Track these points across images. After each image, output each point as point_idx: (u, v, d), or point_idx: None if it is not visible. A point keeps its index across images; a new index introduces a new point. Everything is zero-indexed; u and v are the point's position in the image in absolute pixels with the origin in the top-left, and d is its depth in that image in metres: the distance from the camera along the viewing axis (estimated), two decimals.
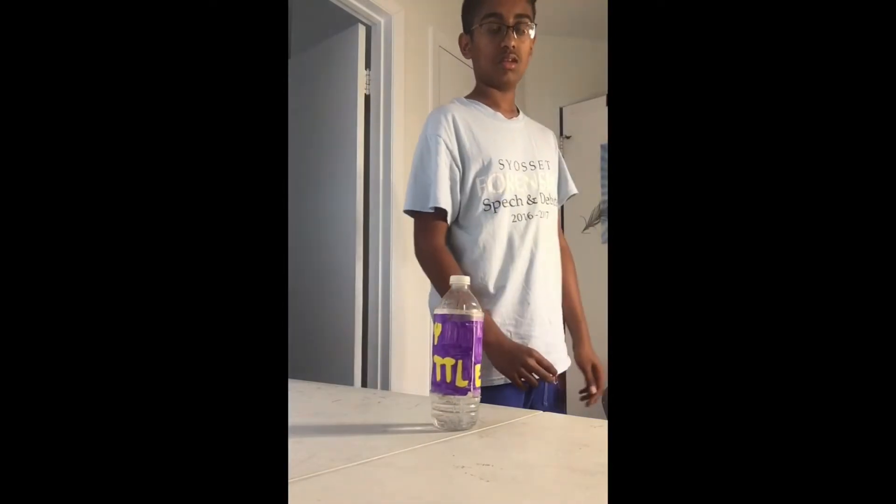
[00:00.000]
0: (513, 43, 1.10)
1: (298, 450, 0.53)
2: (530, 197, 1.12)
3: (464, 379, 0.64)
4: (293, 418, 0.68)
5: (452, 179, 1.08)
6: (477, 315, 0.66)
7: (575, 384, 1.29)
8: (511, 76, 1.13)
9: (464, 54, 1.20)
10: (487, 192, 1.08)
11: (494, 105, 1.17)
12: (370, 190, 2.06)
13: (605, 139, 2.74)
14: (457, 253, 1.09)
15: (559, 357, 1.13)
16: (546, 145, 1.22)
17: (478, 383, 0.66)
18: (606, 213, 2.75)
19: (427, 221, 1.09)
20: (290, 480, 0.43)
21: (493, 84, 1.16)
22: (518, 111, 1.22)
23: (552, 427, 0.70)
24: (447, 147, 1.08)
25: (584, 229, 2.87)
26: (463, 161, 1.09)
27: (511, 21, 1.09)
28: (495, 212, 1.08)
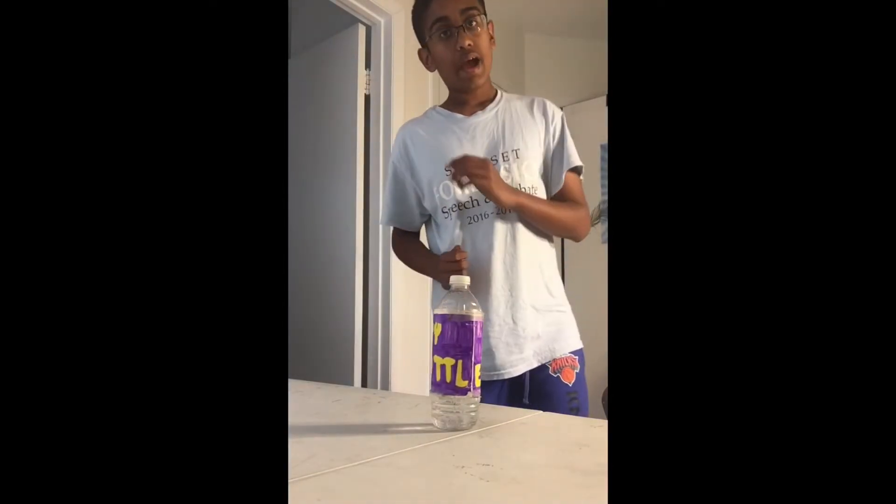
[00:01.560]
0: (467, 41, 1.06)
1: (298, 450, 0.53)
2: (484, 198, 1.08)
3: (464, 379, 0.64)
4: (293, 418, 0.68)
5: (399, 198, 1.19)
6: (477, 315, 0.66)
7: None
8: (477, 80, 1.10)
9: (427, 69, 1.17)
10: (442, 199, 1.13)
11: (459, 106, 1.15)
12: (370, 190, 2.06)
13: (605, 139, 2.74)
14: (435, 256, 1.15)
15: (546, 346, 1.10)
16: (524, 128, 1.14)
17: (478, 383, 0.66)
18: (606, 213, 2.75)
19: (392, 232, 1.27)
20: (290, 480, 0.43)
21: (462, 91, 1.14)
22: (495, 96, 1.16)
23: (552, 427, 0.70)
24: (396, 169, 1.19)
25: None
26: (418, 175, 1.16)
27: (459, 20, 1.06)
28: (454, 216, 1.12)
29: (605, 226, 2.77)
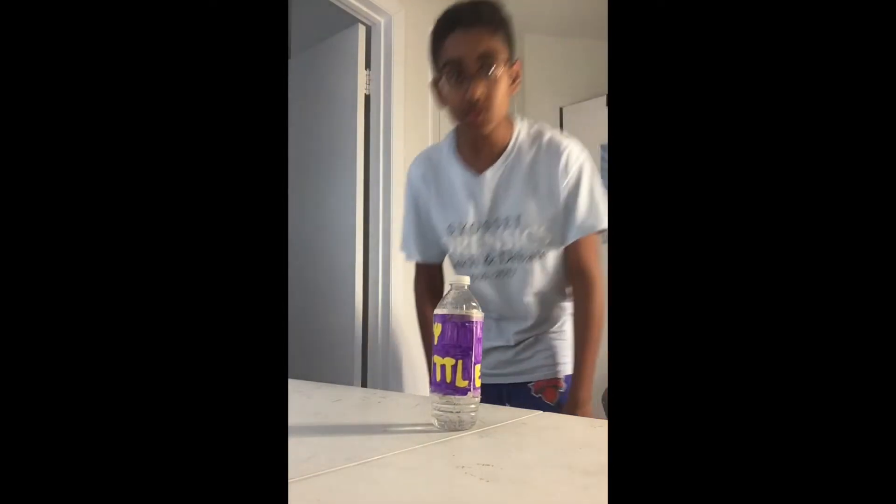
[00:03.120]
0: (479, 92, 0.93)
1: (298, 450, 0.53)
2: (488, 257, 1.06)
3: (464, 379, 0.64)
4: (293, 418, 0.68)
5: (423, 228, 1.14)
6: (477, 315, 0.66)
7: None
8: (483, 130, 0.98)
9: (437, 103, 1.04)
10: (448, 252, 1.12)
11: (470, 155, 1.06)
12: (370, 190, 2.06)
13: (605, 139, 2.74)
14: None
15: (532, 367, 1.13)
16: (534, 186, 1.02)
17: (478, 383, 0.66)
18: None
19: (414, 265, 1.20)
20: (290, 480, 0.43)
21: (469, 137, 1.04)
22: (508, 144, 1.03)
23: (552, 427, 0.70)
24: (418, 197, 1.13)
25: None
26: (435, 216, 1.12)
27: (473, 67, 0.93)
28: (457, 269, 1.12)
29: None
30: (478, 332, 0.66)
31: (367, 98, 2.07)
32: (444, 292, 0.69)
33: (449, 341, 0.65)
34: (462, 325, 0.65)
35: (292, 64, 2.26)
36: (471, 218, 1.07)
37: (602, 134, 2.79)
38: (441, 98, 1.02)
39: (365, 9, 2.00)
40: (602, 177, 3.14)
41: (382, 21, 2.08)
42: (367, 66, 2.07)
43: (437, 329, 0.66)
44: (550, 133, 1.06)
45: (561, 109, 3.02)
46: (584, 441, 0.61)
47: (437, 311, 0.67)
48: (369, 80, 2.08)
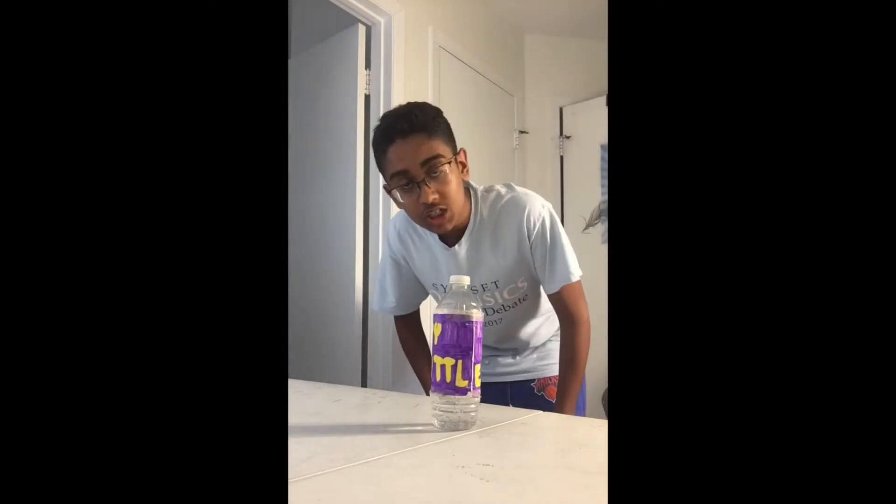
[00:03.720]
0: (432, 197, 0.94)
1: (298, 450, 0.53)
2: None
3: (464, 379, 0.64)
4: (293, 418, 0.68)
5: (404, 284, 1.17)
6: (477, 315, 0.66)
7: None
8: (446, 227, 1.00)
9: (398, 206, 1.05)
10: (436, 297, 1.15)
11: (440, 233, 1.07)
12: (370, 190, 2.06)
13: (605, 139, 2.74)
14: None
15: (533, 366, 1.18)
16: (501, 254, 1.05)
17: (477, 383, 0.66)
18: (606, 213, 2.75)
19: (396, 321, 1.24)
20: (290, 480, 0.43)
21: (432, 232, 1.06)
22: (468, 220, 1.05)
23: (552, 427, 0.70)
24: (396, 258, 1.16)
25: (584, 229, 2.87)
26: (419, 274, 1.15)
27: (420, 174, 0.94)
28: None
29: (605, 226, 2.77)
30: (478, 332, 0.66)
31: (367, 98, 2.07)
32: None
33: (449, 341, 0.65)
34: (462, 325, 0.65)
35: (292, 64, 2.26)
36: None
37: (602, 134, 2.79)
38: (398, 203, 1.03)
39: (365, 9, 2.00)
40: (602, 176, 3.12)
41: (382, 21, 2.08)
42: (367, 66, 2.07)
43: (436, 329, 0.66)
44: (508, 194, 1.07)
45: (561, 109, 3.02)
46: (584, 441, 0.61)
47: (437, 311, 0.67)
48: (369, 80, 2.07)
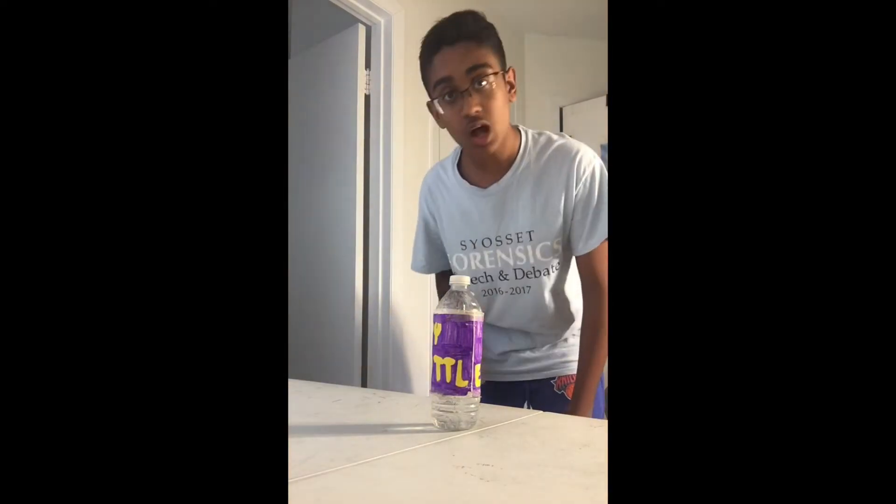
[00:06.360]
0: (475, 108, 0.90)
1: (298, 450, 0.53)
2: (502, 273, 1.05)
3: (464, 379, 0.64)
4: (293, 418, 0.68)
5: (434, 245, 1.16)
6: (477, 315, 0.66)
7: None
8: (489, 149, 0.95)
9: (438, 124, 1.01)
10: (455, 268, 1.11)
11: (476, 172, 1.04)
12: (370, 190, 2.06)
13: (605, 139, 2.74)
14: None
15: (553, 364, 1.14)
16: (545, 199, 0.99)
17: (478, 383, 0.66)
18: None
19: (436, 279, 1.24)
20: (290, 480, 0.43)
21: (474, 156, 1.01)
22: (516, 156, 1.00)
23: (552, 427, 0.70)
24: (426, 218, 1.15)
25: None
26: (443, 233, 1.13)
27: (464, 83, 0.89)
28: (473, 283, 1.10)
29: None
30: (478, 332, 0.66)
31: (367, 98, 2.07)
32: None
33: (449, 341, 0.65)
34: (462, 325, 0.65)
35: (292, 64, 2.26)
36: (482, 234, 1.05)
37: (602, 134, 2.79)
38: (439, 119, 0.99)
39: (365, 9, 2.00)
40: None
41: (382, 21, 2.08)
42: (367, 66, 2.07)
43: (436, 329, 0.66)
44: (560, 139, 1.02)
45: (561, 109, 3.02)
46: (584, 441, 0.61)
47: (437, 311, 0.67)
48: (369, 80, 2.08)
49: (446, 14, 1.03)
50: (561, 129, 3.00)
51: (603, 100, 2.86)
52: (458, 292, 0.68)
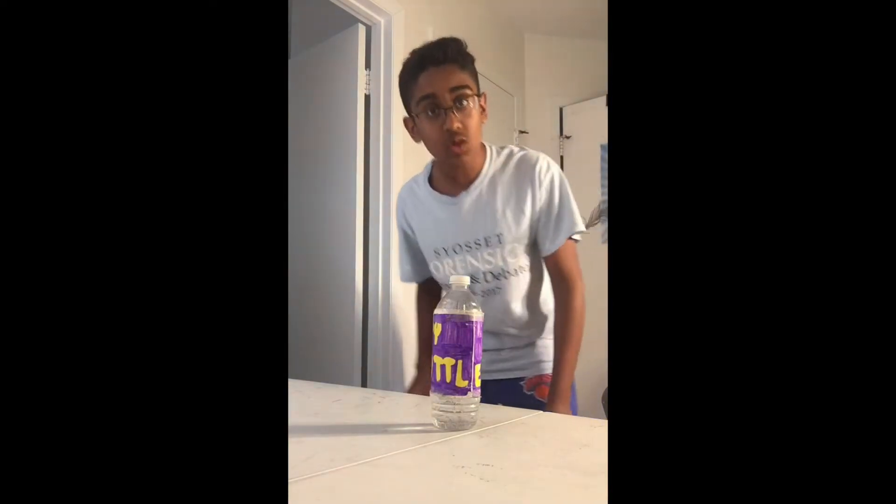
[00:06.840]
0: (456, 124, 0.99)
1: (298, 450, 0.53)
2: (473, 277, 1.11)
3: (464, 379, 0.64)
4: (293, 418, 0.68)
5: (413, 255, 1.23)
6: (477, 315, 0.66)
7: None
8: (464, 159, 1.05)
9: (413, 138, 1.10)
10: (434, 276, 1.18)
11: (447, 180, 1.11)
12: (370, 190, 2.06)
13: (605, 139, 2.74)
14: None
15: (521, 365, 1.16)
16: (508, 205, 1.07)
17: (477, 383, 0.66)
18: (606, 213, 2.75)
19: (416, 290, 1.30)
20: (290, 480, 0.43)
21: (448, 166, 1.09)
22: (482, 169, 1.09)
23: (552, 427, 0.70)
24: (403, 229, 1.24)
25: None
26: (420, 242, 1.20)
27: (448, 100, 0.99)
28: (446, 290, 1.15)
29: (605, 226, 2.78)
30: (478, 331, 0.66)
31: (367, 98, 2.07)
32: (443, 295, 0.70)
33: (449, 341, 0.65)
34: (462, 325, 0.65)
35: (292, 64, 2.26)
36: (452, 241, 1.12)
37: (602, 134, 2.80)
38: (416, 134, 1.07)
39: (365, 9, 2.00)
40: (602, 177, 3.12)
41: (382, 21, 2.08)
42: (367, 66, 2.07)
43: (437, 329, 0.66)
44: (521, 151, 1.12)
45: (561, 109, 3.03)
46: (584, 441, 0.61)
47: (437, 311, 0.67)
48: (369, 80, 2.08)
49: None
50: (561, 130, 3.00)
51: (603, 100, 2.86)
52: (457, 292, 0.68)
